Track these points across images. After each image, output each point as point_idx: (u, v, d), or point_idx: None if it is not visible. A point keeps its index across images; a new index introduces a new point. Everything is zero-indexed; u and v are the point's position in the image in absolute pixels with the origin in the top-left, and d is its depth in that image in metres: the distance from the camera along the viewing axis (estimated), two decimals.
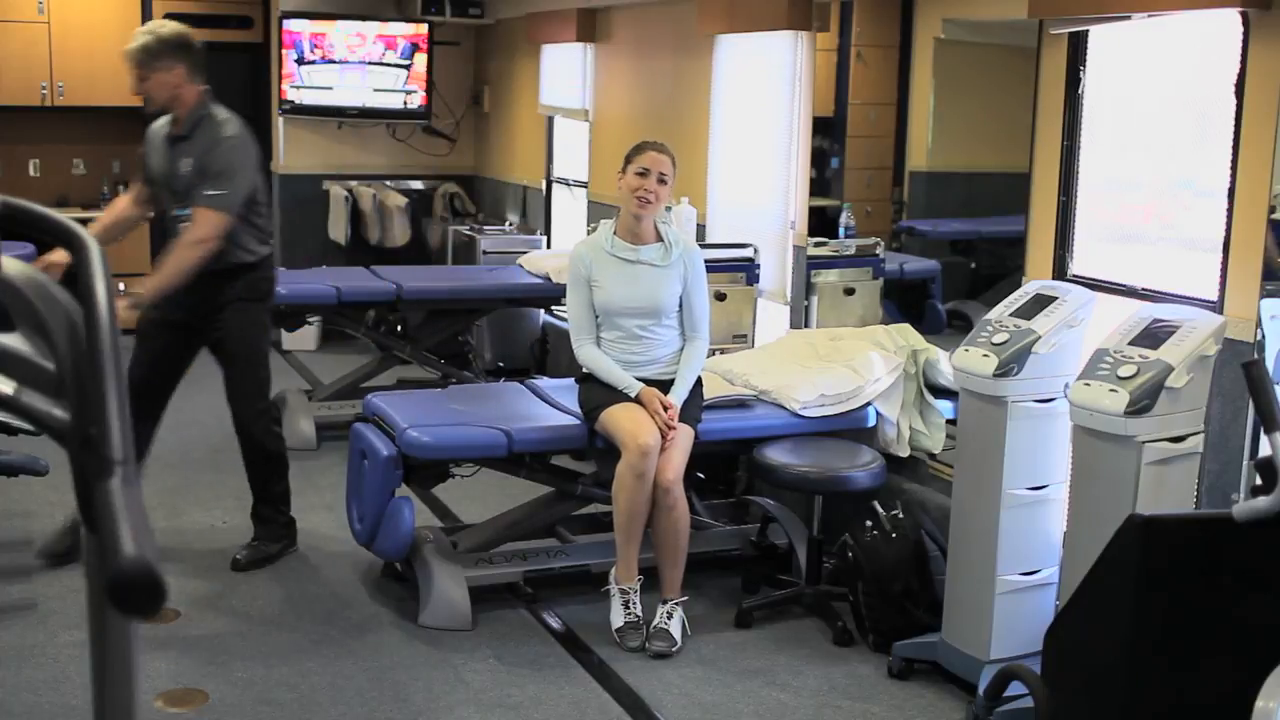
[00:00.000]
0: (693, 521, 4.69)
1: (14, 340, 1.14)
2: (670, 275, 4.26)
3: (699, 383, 4.34)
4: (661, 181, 4.19)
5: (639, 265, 4.25)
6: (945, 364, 4.45)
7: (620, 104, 6.99)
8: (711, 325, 4.43)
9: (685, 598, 4.16)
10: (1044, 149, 4.24)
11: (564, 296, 6.82)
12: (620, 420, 4.10)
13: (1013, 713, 3.32)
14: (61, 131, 8.37)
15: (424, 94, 8.42)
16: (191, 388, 7.25)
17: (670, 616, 4.09)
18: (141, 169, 4.64)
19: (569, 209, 7.82)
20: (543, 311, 7.47)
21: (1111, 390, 3.23)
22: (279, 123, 8.51)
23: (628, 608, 4.12)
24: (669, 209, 5.46)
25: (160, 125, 4.58)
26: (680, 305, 4.29)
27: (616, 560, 4.16)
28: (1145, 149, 4.19)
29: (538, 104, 7.92)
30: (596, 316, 4.30)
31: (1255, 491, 2.44)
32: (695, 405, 4.28)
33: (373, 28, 8.31)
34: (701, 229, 6.02)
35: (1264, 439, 2.34)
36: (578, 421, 4.33)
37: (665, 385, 4.23)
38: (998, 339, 3.61)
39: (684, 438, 4.14)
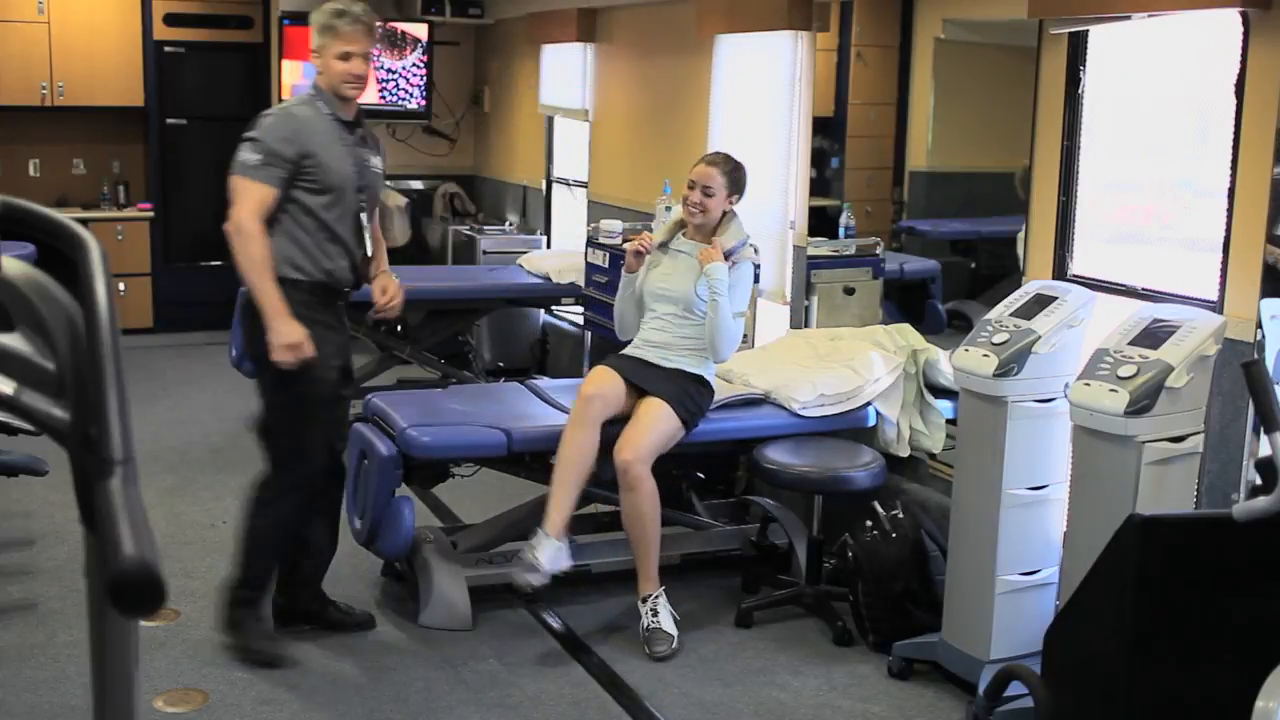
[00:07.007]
0: (692, 521, 4.70)
1: (14, 340, 1.15)
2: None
3: (702, 380, 4.28)
4: (707, 194, 4.20)
5: (680, 255, 4.30)
6: (945, 364, 4.45)
7: (620, 104, 6.99)
8: None
9: (663, 587, 4.08)
10: (1044, 149, 4.24)
11: (564, 297, 6.87)
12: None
13: (1013, 713, 3.32)
14: (61, 131, 8.36)
15: (424, 94, 8.42)
16: (191, 387, 7.33)
17: (656, 614, 4.02)
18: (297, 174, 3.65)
19: (569, 209, 7.82)
20: (543, 311, 7.47)
21: (1111, 390, 3.23)
22: None
23: (534, 551, 3.96)
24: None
25: (318, 113, 3.72)
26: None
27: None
28: (1145, 149, 4.20)
29: (538, 104, 7.91)
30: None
31: (1255, 491, 2.44)
32: (683, 390, 4.18)
33: None
34: None
35: (1264, 439, 2.34)
36: None
37: (670, 373, 4.20)
38: (998, 339, 3.61)
39: (658, 419, 4.07)
